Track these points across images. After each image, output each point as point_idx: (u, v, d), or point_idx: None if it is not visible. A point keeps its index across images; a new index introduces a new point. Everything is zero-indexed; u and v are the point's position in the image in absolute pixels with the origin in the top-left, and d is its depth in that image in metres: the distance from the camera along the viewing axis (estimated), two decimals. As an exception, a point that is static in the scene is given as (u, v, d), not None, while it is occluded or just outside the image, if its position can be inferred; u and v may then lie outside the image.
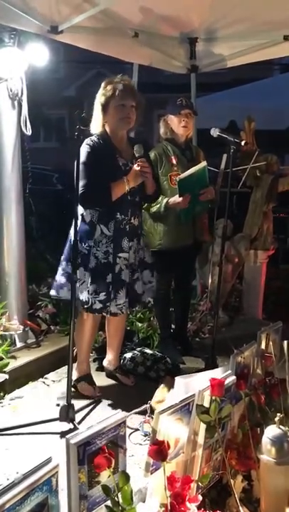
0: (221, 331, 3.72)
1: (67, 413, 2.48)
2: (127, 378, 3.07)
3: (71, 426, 2.47)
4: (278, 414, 1.77)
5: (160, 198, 3.12)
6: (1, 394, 2.87)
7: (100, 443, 1.45)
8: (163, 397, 2.52)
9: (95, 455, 1.42)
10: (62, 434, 2.40)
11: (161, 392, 2.59)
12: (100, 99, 2.74)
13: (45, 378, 3.15)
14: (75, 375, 2.88)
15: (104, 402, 2.80)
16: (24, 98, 3.20)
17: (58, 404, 2.64)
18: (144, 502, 1.63)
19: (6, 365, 3.01)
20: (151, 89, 8.36)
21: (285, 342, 2.21)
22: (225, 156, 3.26)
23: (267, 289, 4.45)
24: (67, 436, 1.40)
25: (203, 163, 3.14)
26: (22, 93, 3.19)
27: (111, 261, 2.73)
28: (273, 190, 4.25)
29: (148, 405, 2.53)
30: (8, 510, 1.15)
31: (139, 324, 3.72)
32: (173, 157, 3.25)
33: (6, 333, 3.28)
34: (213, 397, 1.73)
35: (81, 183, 2.59)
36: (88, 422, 2.52)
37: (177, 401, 1.66)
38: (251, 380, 2.23)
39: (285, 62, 10.56)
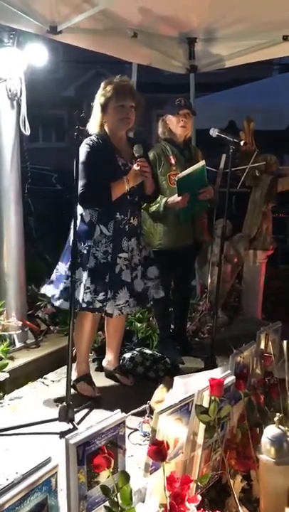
0: (220, 330, 3.72)
1: (66, 413, 2.48)
2: (126, 378, 3.07)
3: (70, 426, 2.47)
4: (277, 414, 1.78)
5: (159, 198, 3.13)
6: (1, 394, 2.87)
7: (99, 443, 1.45)
8: (162, 397, 2.52)
9: (94, 455, 1.43)
10: (62, 435, 2.40)
11: (160, 392, 2.59)
12: (99, 99, 2.74)
13: (45, 378, 3.15)
14: (74, 375, 2.88)
15: (104, 402, 2.80)
16: (23, 98, 3.20)
17: (57, 405, 2.64)
18: (143, 502, 1.63)
19: (6, 365, 3.01)
20: (151, 89, 8.36)
21: (285, 342, 2.21)
22: (224, 156, 3.26)
23: (266, 289, 4.45)
24: (66, 437, 1.40)
25: (202, 163, 3.15)
26: (21, 93, 3.19)
27: (110, 261, 2.73)
28: (272, 190, 4.25)
29: (147, 405, 2.53)
30: (7, 511, 1.15)
31: (139, 324, 3.72)
32: (172, 157, 3.25)
33: (5, 333, 3.28)
34: (213, 397, 1.73)
35: (81, 182, 2.59)
36: (87, 422, 2.52)
37: (176, 401, 1.66)
38: (250, 380, 2.24)
39: (284, 62, 10.57)
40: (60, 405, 2.54)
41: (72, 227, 2.64)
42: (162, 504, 1.51)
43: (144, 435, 2.42)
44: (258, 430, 1.95)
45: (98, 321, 2.98)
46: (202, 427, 1.73)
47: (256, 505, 1.83)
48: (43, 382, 3.10)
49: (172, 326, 3.64)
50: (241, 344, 2.22)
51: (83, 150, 2.67)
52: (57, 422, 2.49)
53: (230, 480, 1.79)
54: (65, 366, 2.62)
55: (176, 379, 1.86)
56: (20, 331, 3.35)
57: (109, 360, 3.13)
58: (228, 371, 2.00)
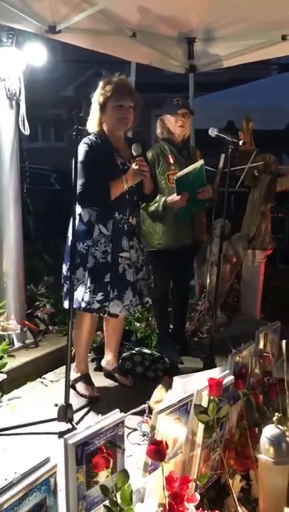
0: (219, 330, 3.72)
1: (65, 413, 2.47)
2: (125, 378, 3.07)
3: (69, 426, 2.47)
4: (276, 413, 1.78)
5: (158, 197, 3.13)
6: (-1, 394, 2.88)
7: (98, 443, 1.45)
8: (161, 397, 2.53)
9: (93, 455, 1.42)
10: (61, 434, 2.40)
11: (159, 392, 2.59)
12: (98, 98, 2.74)
13: (44, 378, 3.15)
14: (73, 375, 2.88)
15: (103, 402, 2.80)
16: (22, 98, 3.20)
17: (56, 405, 2.64)
18: (142, 502, 1.63)
19: (4, 365, 3.01)
20: (149, 89, 8.35)
21: (284, 341, 2.21)
22: (223, 155, 3.27)
23: (265, 288, 4.45)
24: (65, 437, 1.40)
25: (200, 162, 3.15)
26: (20, 93, 3.19)
27: (110, 260, 2.73)
28: (271, 190, 4.25)
29: (146, 405, 2.53)
30: (6, 511, 1.15)
31: (138, 324, 3.72)
32: (170, 156, 3.25)
33: (4, 333, 3.27)
34: (212, 397, 1.73)
35: (79, 182, 2.58)
36: (86, 422, 2.51)
37: (175, 401, 1.66)
38: (249, 380, 2.24)
39: (283, 62, 10.57)
40: (58, 405, 2.53)
41: (70, 227, 2.64)
42: (161, 504, 1.51)
43: (143, 435, 2.42)
44: (257, 430, 1.95)
45: (97, 320, 2.98)
46: (201, 426, 1.73)
47: (255, 505, 1.83)
48: (42, 382, 3.10)
49: (171, 326, 3.64)
50: (240, 344, 2.22)
51: (82, 149, 2.67)
52: (56, 422, 2.49)
53: (229, 480, 1.79)
54: (64, 366, 2.62)
55: (175, 379, 1.86)
56: (19, 331, 3.34)
57: (108, 360, 3.13)
58: (227, 371, 2.00)
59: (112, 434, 1.51)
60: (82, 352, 2.96)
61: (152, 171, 3.02)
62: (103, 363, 3.16)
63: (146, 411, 2.50)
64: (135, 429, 2.49)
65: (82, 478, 1.41)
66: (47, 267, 4.75)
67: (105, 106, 2.73)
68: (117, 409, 1.58)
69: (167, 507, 1.47)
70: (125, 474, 1.48)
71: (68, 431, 2.41)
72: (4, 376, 2.93)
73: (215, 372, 1.95)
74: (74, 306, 2.69)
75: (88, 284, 2.71)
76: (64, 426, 2.46)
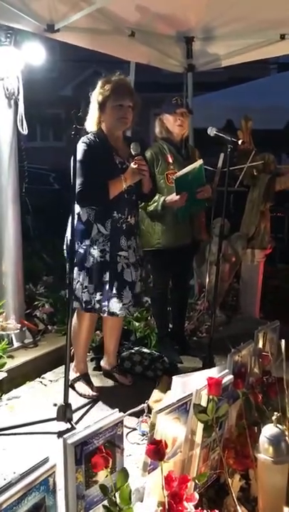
0: (218, 330, 3.73)
1: (64, 413, 2.47)
2: (124, 378, 3.07)
3: (68, 426, 2.47)
4: (275, 413, 1.78)
5: (157, 197, 3.12)
6: (-1, 394, 2.87)
7: (97, 443, 1.45)
8: (160, 396, 2.52)
9: (92, 455, 1.42)
10: (60, 434, 2.40)
11: (158, 391, 2.59)
12: (97, 97, 2.73)
13: (43, 378, 3.14)
14: (72, 375, 2.88)
15: (102, 402, 2.80)
16: (20, 97, 3.19)
17: (55, 404, 2.64)
18: (141, 501, 1.63)
19: (3, 364, 3.01)
20: (148, 89, 8.34)
21: (283, 341, 2.21)
22: (222, 155, 3.26)
23: (264, 288, 4.45)
24: (64, 436, 1.40)
25: (200, 161, 3.14)
26: (18, 92, 3.18)
27: (108, 259, 2.73)
28: (270, 189, 4.25)
29: (145, 405, 2.53)
30: (5, 510, 1.15)
31: (137, 324, 3.72)
32: (169, 156, 3.25)
33: (3, 332, 3.27)
34: (211, 397, 1.73)
35: (78, 181, 2.57)
36: (85, 422, 2.51)
37: (174, 400, 1.66)
38: (248, 379, 2.24)
39: (281, 61, 10.58)
40: (58, 405, 2.53)
41: (68, 226, 2.64)
42: (160, 503, 1.51)
43: (143, 434, 2.42)
44: (256, 429, 1.95)
45: (96, 320, 2.97)
46: (200, 426, 1.73)
47: (254, 504, 1.83)
48: (41, 382, 3.10)
49: (170, 326, 3.64)
50: (239, 343, 2.22)
51: (80, 148, 2.66)
52: (55, 422, 2.49)
53: (229, 479, 1.79)
54: (63, 366, 2.62)
55: (175, 378, 1.86)
56: (18, 331, 3.34)
57: (107, 359, 3.13)
58: (226, 370, 2.00)
59: (111, 433, 1.51)
60: (81, 351, 2.96)
61: (151, 170, 3.02)
62: (102, 362, 3.16)
63: (146, 410, 2.50)
64: (134, 429, 2.49)
65: (81, 477, 1.41)
66: (46, 267, 4.74)
67: (104, 105, 2.73)
68: (116, 409, 1.58)
69: (166, 506, 1.47)
70: (125, 474, 1.48)
71: (67, 430, 2.41)
72: (3, 375, 2.93)
73: (214, 372, 1.95)
74: (74, 306, 2.70)
75: (87, 284, 2.71)
76: (63, 426, 2.46)
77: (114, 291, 2.72)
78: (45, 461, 1.29)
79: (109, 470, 1.44)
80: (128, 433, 2.43)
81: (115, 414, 1.55)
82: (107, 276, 2.72)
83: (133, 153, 2.70)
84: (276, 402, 2.09)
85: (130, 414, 2.54)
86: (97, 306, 2.71)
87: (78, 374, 2.95)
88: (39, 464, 1.27)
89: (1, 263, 3.34)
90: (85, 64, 13.38)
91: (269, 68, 12.58)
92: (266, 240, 4.31)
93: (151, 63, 4.16)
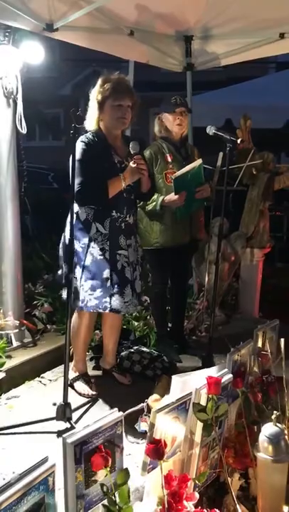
0: (217, 329, 3.72)
1: (63, 412, 2.47)
2: (123, 377, 3.07)
3: (68, 425, 2.46)
4: (275, 412, 1.78)
5: (156, 196, 3.12)
6: (-2, 393, 2.87)
7: (96, 442, 1.45)
8: (160, 395, 2.52)
9: (91, 454, 1.42)
10: (59, 434, 2.39)
11: (158, 390, 2.58)
12: (96, 96, 2.72)
13: (42, 377, 3.14)
14: (71, 374, 2.88)
15: (101, 401, 2.80)
16: (19, 96, 3.18)
17: (54, 404, 2.64)
18: (141, 501, 1.63)
19: (3, 364, 3.01)
20: (147, 88, 8.35)
21: (282, 340, 2.22)
22: (221, 154, 3.26)
23: (263, 287, 4.45)
24: (63, 436, 1.40)
25: (199, 161, 3.14)
26: (17, 91, 3.18)
27: (108, 257, 2.72)
28: (269, 188, 4.25)
29: (145, 404, 2.52)
30: (4, 510, 1.15)
31: (136, 323, 3.72)
32: (168, 155, 3.25)
33: (2, 332, 3.27)
34: (210, 396, 1.73)
35: (77, 180, 2.57)
36: (85, 421, 2.50)
37: (174, 399, 1.66)
38: (248, 378, 2.24)
39: (280, 60, 10.56)
40: (57, 404, 2.53)
41: (66, 226, 2.63)
42: (160, 502, 1.51)
43: (142, 433, 2.41)
44: (256, 428, 1.95)
45: (95, 319, 2.97)
46: (200, 425, 1.73)
47: (254, 503, 1.83)
48: (40, 381, 3.10)
49: (169, 325, 3.64)
50: (239, 342, 2.22)
51: (79, 147, 2.65)
52: (54, 421, 2.49)
53: (228, 478, 1.79)
54: (62, 365, 2.62)
55: (174, 377, 1.86)
56: (17, 330, 3.34)
57: (106, 358, 3.12)
58: (226, 369, 2.00)
59: (110, 433, 1.51)
60: (81, 351, 2.95)
61: (150, 169, 3.01)
62: (101, 361, 3.16)
63: (145, 410, 2.50)
64: (134, 428, 2.48)
65: (80, 477, 1.41)
66: (45, 266, 4.74)
67: (103, 104, 2.72)
68: (116, 408, 1.58)
69: (166, 505, 1.47)
70: (125, 473, 1.48)
71: (67, 430, 2.41)
72: (2, 375, 2.93)
73: (213, 371, 1.95)
74: (72, 305, 2.69)
75: (84, 282, 2.70)
76: (62, 425, 2.46)
77: (115, 288, 2.71)
78: (45, 460, 1.29)
79: (108, 469, 1.44)
80: (127, 432, 2.43)
81: (115, 414, 1.55)
82: (107, 273, 2.70)
83: (132, 152, 2.70)
84: (275, 401, 2.10)
85: (130, 414, 2.53)
86: (96, 302, 2.69)
87: (77, 373, 2.94)
88: (38, 464, 1.27)
89: (0, 262, 3.33)
90: (84, 63, 13.37)
91: (268, 67, 12.59)
92: (265, 239, 4.32)
93: (151, 62, 4.15)
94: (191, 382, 1.81)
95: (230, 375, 1.96)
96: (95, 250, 2.71)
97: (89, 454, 1.42)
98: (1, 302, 3.31)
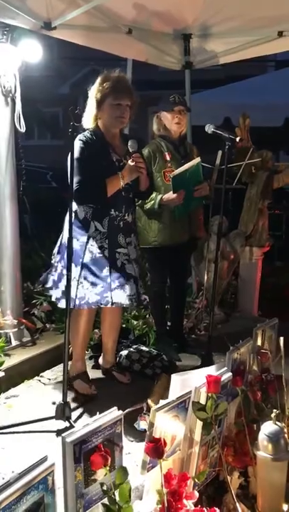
0: (216, 327, 3.72)
1: (63, 411, 2.47)
2: (123, 376, 3.06)
3: (67, 424, 2.46)
4: (274, 410, 1.78)
5: (154, 195, 3.12)
6: (-3, 392, 2.87)
7: (96, 441, 1.45)
8: (159, 394, 2.52)
9: (91, 453, 1.42)
10: (58, 433, 2.39)
11: (157, 389, 2.58)
12: (95, 94, 2.71)
13: (41, 377, 3.14)
14: (70, 373, 2.87)
15: (100, 400, 2.79)
16: (18, 95, 3.18)
17: (53, 403, 2.63)
18: (140, 499, 1.62)
19: (1, 363, 3.00)
20: (146, 87, 8.34)
21: (281, 338, 2.22)
22: (220, 152, 3.26)
23: (262, 285, 4.45)
24: (63, 435, 1.40)
25: (197, 159, 3.14)
26: (15, 90, 3.17)
27: (107, 255, 2.71)
28: (268, 186, 4.25)
29: (144, 403, 2.52)
30: (4, 510, 1.14)
31: (135, 322, 3.71)
32: (167, 153, 3.24)
33: (1, 331, 3.26)
34: (210, 394, 1.73)
35: (75, 179, 2.56)
36: (84, 420, 2.51)
37: (173, 398, 1.66)
38: (247, 377, 2.24)
39: (279, 59, 10.57)
40: (56, 403, 2.53)
41: (65, 224, 2.62)
42: (160, 501, 1.51)
43: (142, 432, 2.41)
44: (255, 427, 1.95)
45: (93, 318, 2.96)
46: (199, 423, 1.73)
47: (254, 502, 1.83)
48: (39, 381, 3.09)
49: (169, 323, 3.64)
50: (238, 341, 2.22)
51: (77, 146, 2.65)
52: (53, 420, 2.49)
53: (228, 476, 1.79)
54: (62, 364, 2.61)
55: (173, 376, 1.86)
56: (16, 329, 3.33)
57: (105, 357, 3.12)
58: (225, 368, 2.00)
59: (110, 431, 1.50)
60: (80, 350, 2.95)
61: (148, 168, 3.01)
62: (101, 360, 3.15)
63: (145, 409, 2.50)
64: (133, 427, 2.48)
65: (80, 476, 1.41)
66: (44, 265, 4.73)
67: (102, 103, 2.71)
68: (115, 407, 1.57)
69: (166, 504, 1.46)
70: (124, 472, 1.48)
71: (66, 429, 2.40)
72: (1, 374, 2.92)
73: (213, 370, 1.95)
74: (70, 306, 2.68)
75: (83, 280, 2.69)
76: (62, 424, 2.46)
77: (116, 283, 2.70)
78: (44, 459, 1.28)
79: (108, 468, 1.43)
80: (127, 431, 2.43)
81: (114, 413, 1.54)
82: (107, 270, 2.70)
83: (130, 150, 2.69)
84: (275, 399, 2.10)
85: (129, 412, 2.53)
86: (97, 298, 2.67)
87: (77, 372, 2.94)
88: (38, 463, 1.27)
89: (-1, 261, 3.33)
90: (82, 62, 13.36)
91: (267, 65, 12.58)
92: (264, 237, 4.32)
93: (149, 61, 4.15)
94: (191, 381, 1.81)
95: (230, 374, 1.96)
96: (94, 248, 2.71)
97: (88, 453, 1.42)
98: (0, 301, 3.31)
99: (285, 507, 1.73)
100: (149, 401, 2.51)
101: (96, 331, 3.40)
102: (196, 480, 1.72)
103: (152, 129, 3.39)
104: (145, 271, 3.07)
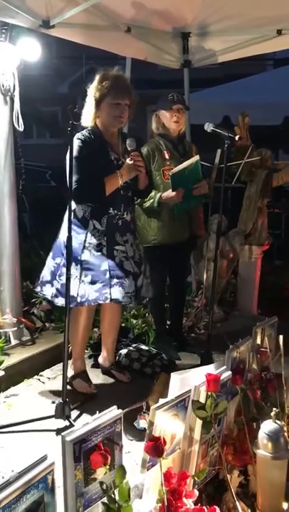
0: (216, 326, 3.72)
1: (62, 410, 2.47)
2: (122, 375, 3.06)
3: (67, 423, 2.46)
4: (274, 408, 1.78)
5: (153, 193, 3.12)
6: (-4, 392, 2.87)
7: (95, 440, 1.45)
8: (159, 393, 2.52)
9: (91, 452, 1.42)
10: (58, 432, 2.39)
11: (157, 388, 2.58)
12: (94, 93, 2.70)
13: (41, 376, 3.14)
14: (70, 372, 2.87)
15: (100, 399, 2.79)
16: (16, 94, 3.17)
17: (53, 402, 2.63)
18: (140, 498, 1.62)
19: (1, 362, 3.00)
20: (144, 85, 8.33)
21: (281, 337, 2.22)
22: (219, 151, 3.25)
23: (262, 284, 4.45)
24: (63, 434, 1.40)
25: (196, 157, 3.14)
26: (14, 89, 3.17)
27: (105, 253, 2.71)
28: (268, 185, 4.25)
29: (144, 402, 2.52)
30: (4, 509, 1.14)
31: (134, 321, 3.71)
32: (166, 152, 3.24)
33: (1, 330, 3.26)
34: (209, 393, 1.73)
35: (74, 178, 2.56)
36: (84, 419, 2.51)
37: (173, 397, 1.66)
38: (247, 375, 2.24)
39: (278, 57, 10.56)
40: (56, 402, 2.53)
41: (63, 223, 2.62)
42: (159, 500, 1.51)
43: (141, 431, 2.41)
44: (255, 425, 1.95)
45: (93, 317, 2.96)
46: (199, 422, 1.73)
47: (253, 500, 1.83)
48: (39, 380, 3.09)
49: (168, 322, 3.64)
50: (237, 339, 2.22)
51: (75, 145, 2.64)
52: (53, 419, 2.49)
53: (228, 475, 1.79)
54: (61, 363, 2.61)
55: (173, 375, 1.86)
56: (15, 328, 3.34)
57: (105, 356, 3.12)
58: (225, 366, 2.00)
59: (109, 430, 1.50)
60: (79, 349, 2.95)
61: (147, 166, 3.01)
62: (100, 359, 3.15)
63: (144, 407, 2.50)
64: (133, 426, 2.48)
65: (80, 475, 1.41)
66: (43, 264, 4.72)
67: (101, 102, 2.71)
68: (115, 406, 1.57)
69: (166, 503, 1.46)
70: (123, 471, 1.48)
71: (66, 428, 2.40)
72: (1, 373, 2.92)
73: (212, 368, 1.95)
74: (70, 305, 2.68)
75: (82, 277, 2.68)
76: (61, 423, 2.46)
77: (115, 279, 2.69)
78: (44, 458, 1.28)
79: (108, 467, 1.43)
80: (126, 430, 2.43)
81: (114, 412, 1.54)
82: (105, 267, 2.69)
83: (129, 148, 2.69)
84: (275, 397, 2.10)
85: (129, 411, 2.53)
86: (97, 295, 2.67)
87: (76, 371, 2.94)
88: (38, 462, 1.27)
89: (-2, 260, 3.33)
90: (81, 61, 13.33)
91: (266, 64, 12.57)
92: (263, 236, 4.32)
93: (148, 59, 4.15)
94: (190, 380, 1.81)
95: (229, 372, 1.96)
96: (92, 246, 2.71)
97: (88, 452, 1.42)
98: (-1, 300, 3.31)
99: (284, 505, 1.73)
100: (149, 400, 2.51)
101: (95, 329, 3.40)
102: (196, 478, 1.72)
103: (151, 128, 3.39)
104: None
